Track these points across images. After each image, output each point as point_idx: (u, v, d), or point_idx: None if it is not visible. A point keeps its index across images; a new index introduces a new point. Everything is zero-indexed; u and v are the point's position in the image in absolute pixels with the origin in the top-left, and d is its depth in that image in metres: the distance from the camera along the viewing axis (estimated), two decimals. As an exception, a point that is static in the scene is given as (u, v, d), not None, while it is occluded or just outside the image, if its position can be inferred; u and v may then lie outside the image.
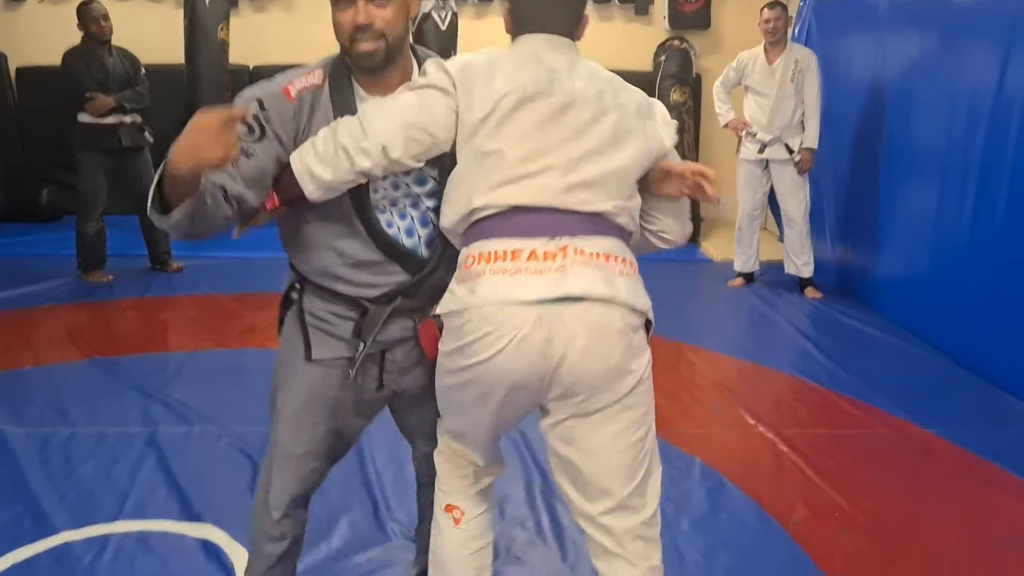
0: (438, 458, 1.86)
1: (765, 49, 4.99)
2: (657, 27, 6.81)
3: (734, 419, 3.38)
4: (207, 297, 4.82)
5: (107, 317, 4.49)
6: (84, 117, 4.79)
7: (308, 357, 1.79)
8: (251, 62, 6.56)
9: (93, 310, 4.59)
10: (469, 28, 6.16)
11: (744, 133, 5.09)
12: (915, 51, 4.52)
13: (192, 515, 2.59)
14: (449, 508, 1.83)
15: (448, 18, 5.87)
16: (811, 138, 4.90)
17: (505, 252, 1.56)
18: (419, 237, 1.74)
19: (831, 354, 4.11)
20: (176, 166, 1.46)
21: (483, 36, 6.60)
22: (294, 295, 1.82)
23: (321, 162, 1.58)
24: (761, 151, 5.02)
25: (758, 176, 5.09)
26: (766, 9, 4.94)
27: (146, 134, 4.95)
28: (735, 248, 5.28)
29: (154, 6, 6.61)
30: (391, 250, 1.73)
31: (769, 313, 4.80)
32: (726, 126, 5.18)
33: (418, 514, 2.20)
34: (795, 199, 4.98)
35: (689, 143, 6.53)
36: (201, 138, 1.43)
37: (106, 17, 4.81)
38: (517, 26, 1.74)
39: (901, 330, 4.47)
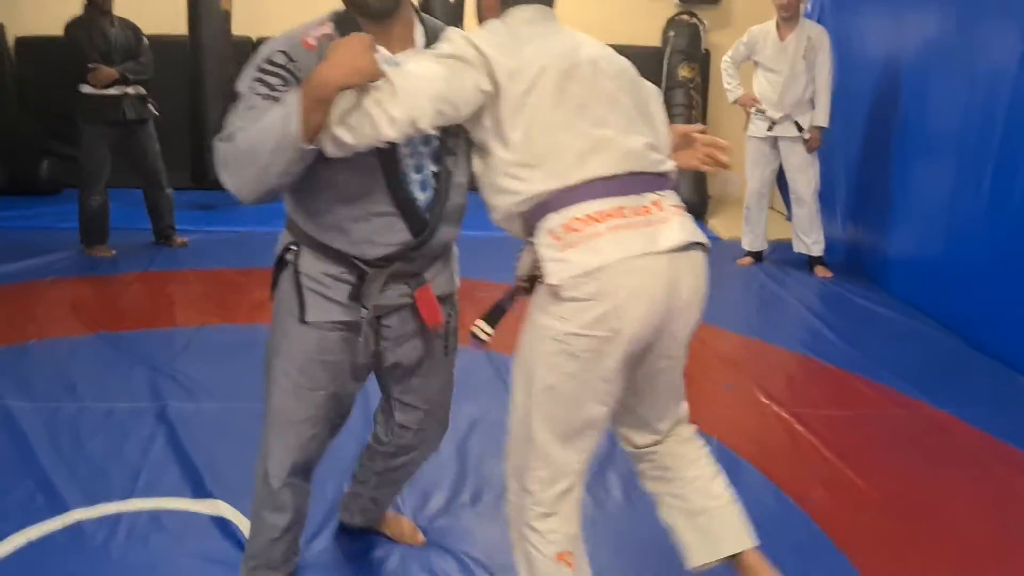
0: (536, 507, 1.72)
1: (777, 25, 4.92)
2: (667, 1, 6.73)
3: (747, 398, 3.36)
4: (213, 272, 4.77)
5: (112, 291, 4.44)
6: (86, 88, 4.72)
7: (302, 319, 1.77)
8: (254, 33, 6.46)
9: (97, 284, 4.55)
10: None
11: (753, 110, 5.03)
12: (932, 30, 4.46)
13: (205, 492, 2.57)
14: (561, 556, 1.72)
15: (457, -7, 5.80)
16: (821, 116, 4.85)
17: (614, 209, 1.60)
18: (424, 196, 1.75)
19: (842, 333, 4.08)
20: (326, 83, 1.49)
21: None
22: (289, 256, 1.79)
23: (343, 125, 1.55)
24: (770, 128, 4.96)
25: (767, 154, 5.04)
26: None
27: (150, 106, 4.88)
28: (743, 227, 5.24)
29: (155, -25, 6.50)
30: (406, 204, 1.72)
31: (779, 292, 4.77)
32: (735, 102, 5.12)
33: (357, 473, 2.24)
34: (804, 177, 4.94)
35: (698, 119, 6.46)
36: (352, 54, 1.49)
37: None
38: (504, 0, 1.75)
39: (912, 309, 4.44)
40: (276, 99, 1.58)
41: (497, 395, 3.26)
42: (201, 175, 6.01)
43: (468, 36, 1.64)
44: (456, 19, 5.85)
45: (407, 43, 1.71)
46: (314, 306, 1.77)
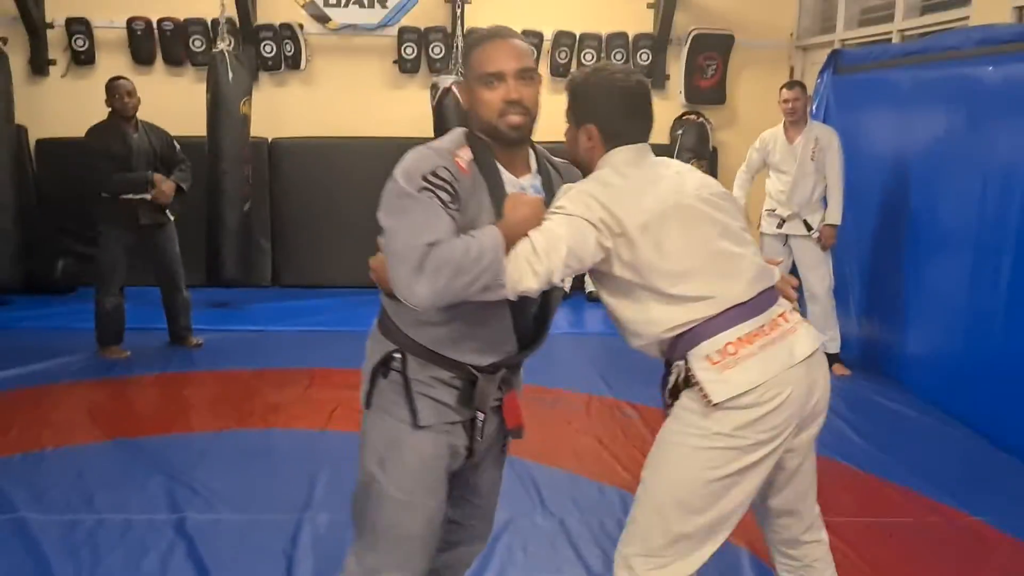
0: None
1: (785, 127, 5.02)
2: (673, 101, 6.89)
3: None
4: (228, 373, 4.75)
5: (127, 395, 4.43)
6: (106, 193, 4.78)
7: (415, 424, 1.80)
8: (270, 135, 6.62)
9: (113, 387, 4.53)
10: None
11: (764, 210, 5.10)
12: (940, 128, 4.54)
13: (228, 612, 2.50)
14: None
15: (468, 93, 5.93)
16: (833, 214, 4.90)
17: (758, 329, 1.84)
18: (533, 310, 1.86)
19: (866, 435, 4.03)
20: (516, 234, 1.69)
21: (501, 110, 6.66)
22: (395, 364, 1.81)
23: None
24: (780, 226, 5.01)
25: (778, 250, 5.07)
26: (784, 89, 4.97)
27: (167, 212, 4.91)
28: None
29: (175, 80, 6.68)
30: (522, 320, 1.83)
31: (799, 390, 4.72)
32: None
33: None
34: (817, 274, 4.96)
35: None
36: (535, 214, 1.72)
37: (131, 93, 4.83)
38: (608, 141, 1.92)
39: (933, 408, 4.39)
40: (452, 215, 1.67)
41: (520, 499, 3.22)
42: (217, 274, 6.05)
43: (594, 194, 1.80)
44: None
45: (525, 167, 1.86)
46: (425, 409, 1.82)
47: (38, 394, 4.36)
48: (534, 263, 1.69)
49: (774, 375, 1.81)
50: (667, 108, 6.79)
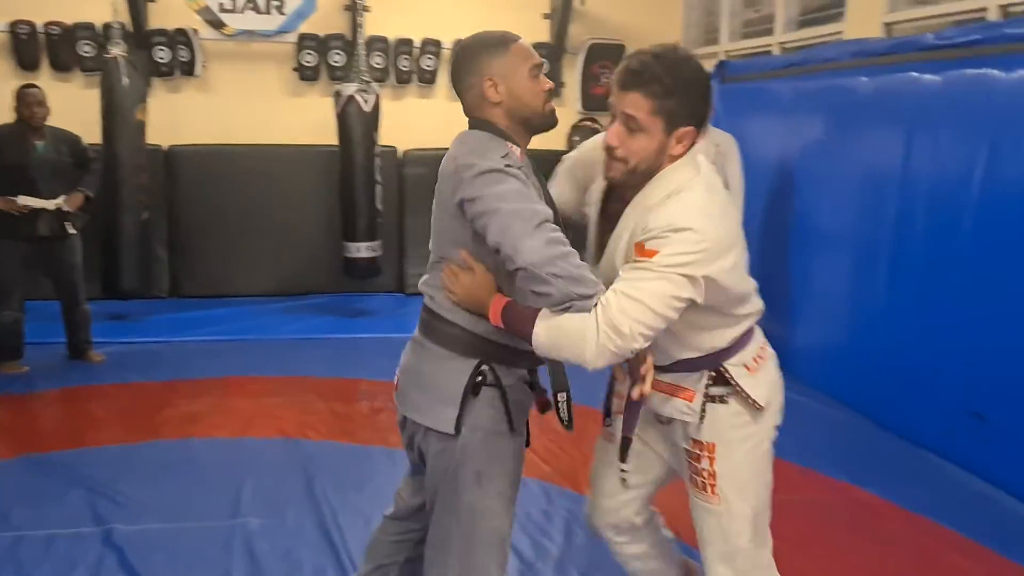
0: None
1: None
2: (570, 108, 7.12)
3: (684, 488, 3.50)
4: (136, 385, 4.66)
5: (32, 410, 4.29)
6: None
7: (512, 430, 1.88)
8: (166, 142, 6.49)
9: (13, 403, 4.37)
10: (388, 109, 6.29)
11: None
12: (820, 135, 4.90)
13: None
14: None
15: (372, 100, 5.99)
16: None
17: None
18: None
19: (764, 420, 4.31)
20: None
21: (402, 116, 6.75)
22: (490, 377, 1.84)
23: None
24: None
25: None
26: None
27: (68, 226, 4.75)
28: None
29: (63, 86, 6.44)
30: None
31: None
32: None
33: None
34: None
35: (604, 219, 6.80)
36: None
37: (41, 103, 4.67)
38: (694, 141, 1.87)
39: (821, 394, 4.72)
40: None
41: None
42: (114, 285, 5.89)
43: (705, 235, 1.71)
44: (371, 127, 6.03)
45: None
46: (516, 414, 1.89)
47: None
48: (645, 330, 1.69)
49: (780, 375, 2.08)
50: (565, 115, 6.98)
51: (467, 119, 1.93)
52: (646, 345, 1.71)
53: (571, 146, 6.85)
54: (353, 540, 2.94)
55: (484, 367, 1.84)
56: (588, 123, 6.99)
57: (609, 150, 1.77)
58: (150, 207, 6.00)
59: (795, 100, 5.19)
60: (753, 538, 2.03)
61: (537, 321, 1.71)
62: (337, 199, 6.26)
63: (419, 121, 6.86)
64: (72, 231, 4.80)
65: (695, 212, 1.73)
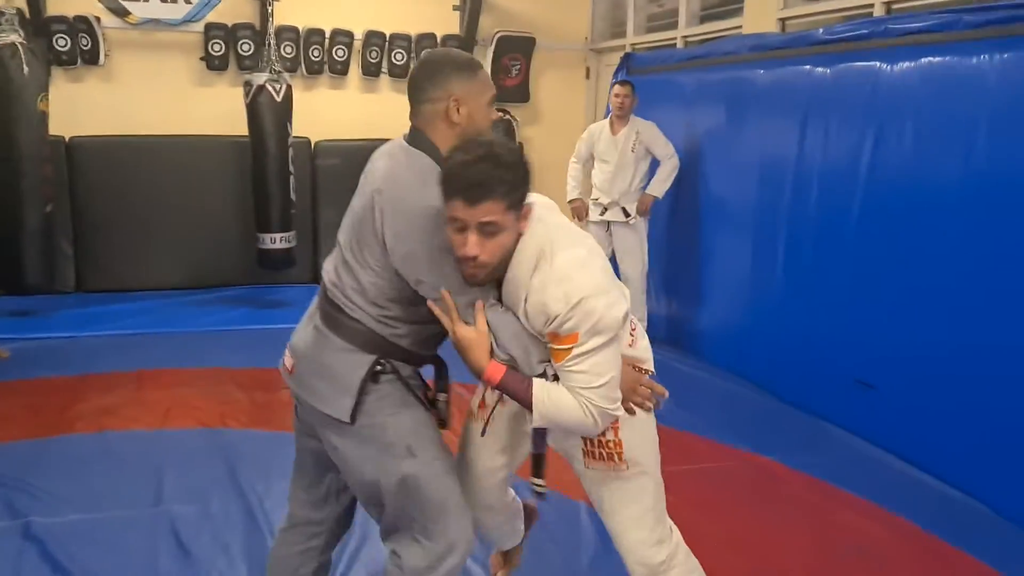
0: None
1: (611, 121, 5.40)
2: (481, 100, 7.21)
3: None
4: (45, 381, 4.55)
5: (-66, 409, 4.15)
6: None
7: (426, 407, 2.01)
8: (67, 133, 6.31)
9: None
10: (300, 99, 6.27)
11: (590, 199, 5.49)
12: (722, 124, 5.14)
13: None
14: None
15: (283, 90, 5.96)
16: (656, 187, 5.31)
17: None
18: None
19: (671, 397, 4.49)
20: None
21: (313, 105, 6.73)
22: (388, 370, 1.95)
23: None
24: (602, 213, 5.43)
25: (601, 237, 5.47)
26: (617, 86, 5.35)
27: None
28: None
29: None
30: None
31: (611, 363, 5.18)
32: (569, 202, 5.58)
33: None
34: (632, 259, 5.42)
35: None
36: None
37: None
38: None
39: (727, 373, 4.97)
40: None
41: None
42: (16, 281, 5.71)
43: (599, 296, 1.80)
44: (284, 116, 6.01)
45: None
46: (421, 394, 2.03)
47: None
48: (612, 408, 1.85)
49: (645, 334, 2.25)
50: (476, 106, 7.12)
51: (409, 128, 1.96)
52: None
53: (483, 136, 6.96)
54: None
55: (383, 362, 1.95)
56: (499, 114, 7.10)
57: (471, 260, 1.77)
58: (53, 200, 5.85)
59: (698, 91, 5.42)
60: (656, 494, 2.16)
61: (535, 392, 1.84)
62: (250, 190, 6.21)
63: (331, 112, 6.86)
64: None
65: (574, 274, 1.81)
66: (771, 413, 4.38)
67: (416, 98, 1.93)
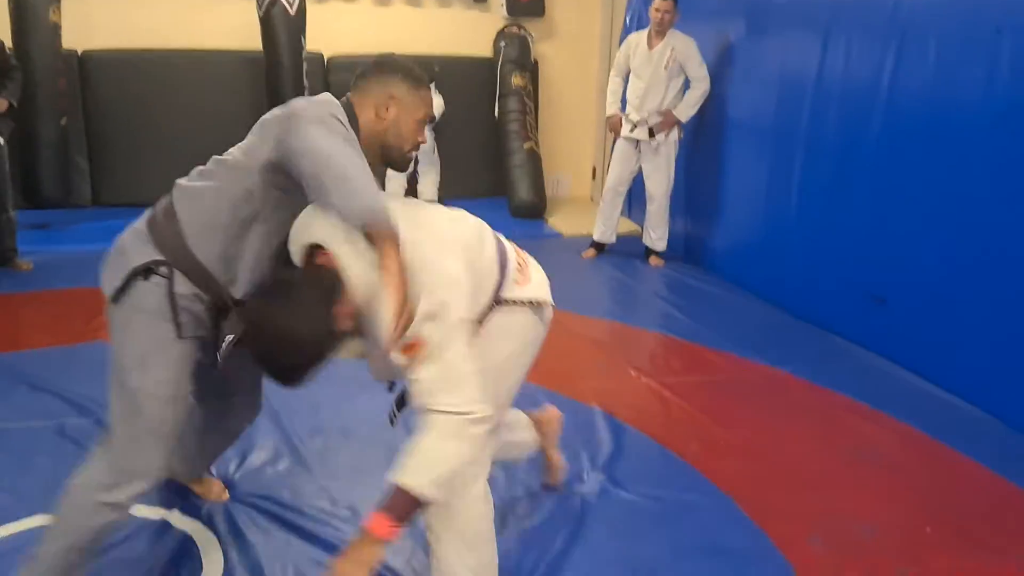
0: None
1: (649, 35, 5.26)
2: (495, 14, 7.10)
3: (619, 373, 3.75)
4: (68, 292, 4.63)
5: (-38, 316, 4.24)
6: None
7: (179, 336, 1.91)
8: (80, 46, 6.26)
9: (-59, 311, 4.31)
10: (313, 12, 6.19)
11: (624, 113, 5.41)
12: (743, 40, 5.07)
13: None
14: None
15: (296, 3, 5.88)
16: (681, 110, 5.22)
17: None
18: None
19: (687, 312, 4.58)
20: None
21: (327, 21, 6.65)
22: (163, 272, 1.88)
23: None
24: (632, 130, 5.35)
25: (629, 154, 5.44)
26: (659, 0, 5.19)
27: None
28: (597, 220, 5.67)
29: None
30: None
31: (626, 280, 5.24)
32: (607, 118, 5.53)
33: None
34: (658, 178, 5.38)
35: (531, 124, 6.89)
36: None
37: None
38: None
39: (742, 289, 5.02)
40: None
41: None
42: (33, 194, 5.76)
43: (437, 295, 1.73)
44: (298, 31, 5.94)
45: None
46: (187, 324, 1.92)
47: None
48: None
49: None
50: (490, 21, 7.01)
51: (346, 96, 1.99)
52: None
53: (497, 53, 6.88)
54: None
55: (164, 267, 1.88)
56: (514, 30, 7.00)
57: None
58: (67, 113, 5.85)
59: (719, 6, 5.34)
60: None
61: (409, 490, 1.68)
62: (264, 105, 6.17)
63: (344, 26, 6.77)
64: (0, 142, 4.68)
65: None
66: (784, 327, 4.44)
67: (360, 80, 1.99)
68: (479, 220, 2.04)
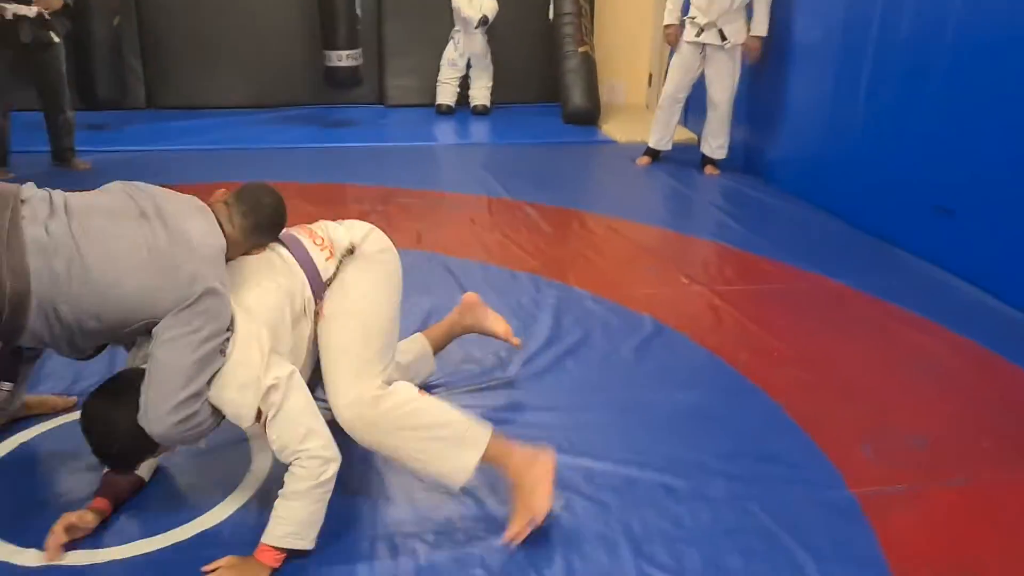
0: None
1: None
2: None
3: (670, 280, 3.70)
4: (125, 191, 4.69)
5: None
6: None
7: None
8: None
9: None
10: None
11: (686, 17, 5.21)
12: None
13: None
14: None
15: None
16: (758, 26, 5.01)
17: None
18: None
19: (742, 221, 4.48)
20: None
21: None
22: None
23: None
24: (698, 35, 5.13)
25: (691, 60, 5.24)
26: None
27: (51, 33, 4.63)
28: (653, 126, 5.53)
29: None
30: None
31: (680, 188, 5.13)
32: (665, 27, 5.33)
33: None
34: (722, 85, 5.18)
35: (587, 26, 6.69)
36: None
37: None
38: None
39: (802, 201, 4.87)
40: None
41: (441, 286, 3.49)
42: (89, 95, 5.79)
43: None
44: None
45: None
46: None
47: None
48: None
49: None
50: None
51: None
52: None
53: None
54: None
55: None
56: None
57: None
58: (119, 13, 5.83)
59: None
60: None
61: (288, 526, 1.90)
62: (316, 9, 6.08)
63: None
64: (56, 39, 4.68)
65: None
66: (844, 239, 4.32)
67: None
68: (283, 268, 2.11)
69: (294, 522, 1.89)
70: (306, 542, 1.92)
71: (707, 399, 2.75)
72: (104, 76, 5.81)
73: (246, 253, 2.07)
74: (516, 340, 2.75)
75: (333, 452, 1.91)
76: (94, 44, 5.64)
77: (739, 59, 5.17)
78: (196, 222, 1.92)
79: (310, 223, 2.28)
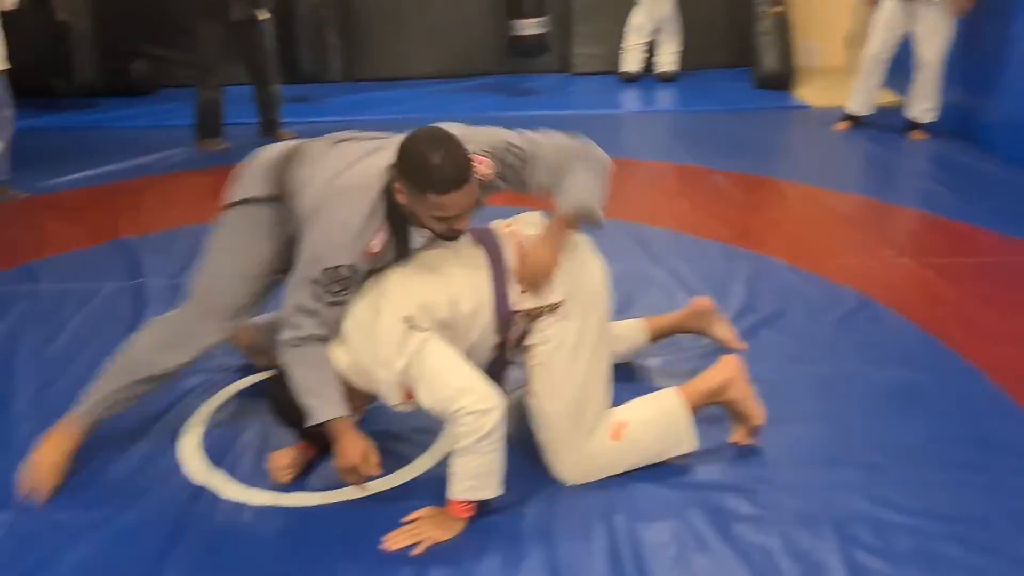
0: None
1: None
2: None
3: (874, 251, 3.48)
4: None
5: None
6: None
7: None
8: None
9: (219, 176, 4.72)
10: None
11: None
12: None
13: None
14: None
15: None
16: None
17: None
18: None
19: (955, 189, 4.15)
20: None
21: None
22: None
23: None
24: None
25: (898, 18, 4.89)
26: None
27: (257, 11, 4.93)
28: (854, 88, 5.21)
29: None
30: None
31: (884, 154, 4.82)
32: None
33: None
34: (932, 43, 4.79)
35: (784, -10, 6.37)
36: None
37: None
38: None
39: (1017, 167, 4.45)
40: (342, 302, 1.98)
41: (631, 254, 3.44)
42: (292, 69, 6.11)
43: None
44: None
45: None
46: None
47: (155, 182, 4.62)
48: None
49: None
50: None
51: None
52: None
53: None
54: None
55: None
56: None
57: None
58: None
59: None
60: None
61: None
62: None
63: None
64: (264, 16, 4.97)
65: None
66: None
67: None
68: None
69: (470, 476, 1.94)
70: (488, 491, 1.96)
71: (916, 377, 2.57)
72: (306, 51, 6.12)
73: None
74: (742, 344, 2.69)
75: (488, 403, 1.91)
76: (296, 21, 5.93)
77: (950, 14, 4.76)
78: None
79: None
